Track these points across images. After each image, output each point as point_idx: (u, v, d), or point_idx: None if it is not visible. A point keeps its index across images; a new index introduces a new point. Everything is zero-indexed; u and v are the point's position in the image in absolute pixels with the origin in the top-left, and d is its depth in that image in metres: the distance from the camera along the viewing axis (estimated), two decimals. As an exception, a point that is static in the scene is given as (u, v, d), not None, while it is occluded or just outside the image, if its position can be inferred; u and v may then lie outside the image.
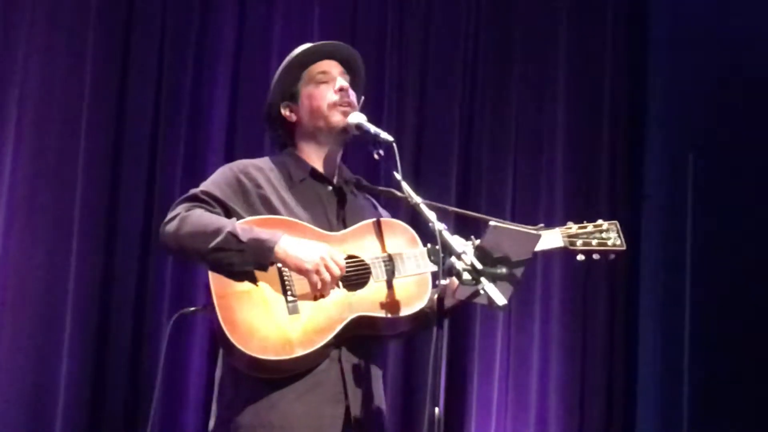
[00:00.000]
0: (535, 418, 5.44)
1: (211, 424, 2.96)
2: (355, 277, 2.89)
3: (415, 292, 2.90)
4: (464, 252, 2.64)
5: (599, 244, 3.12)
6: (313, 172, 3.06)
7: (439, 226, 2.73)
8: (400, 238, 2.96)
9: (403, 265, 2.90)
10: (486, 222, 2.84)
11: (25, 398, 4.69)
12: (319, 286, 2.80)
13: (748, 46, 5.35)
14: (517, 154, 5.69)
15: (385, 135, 2.93)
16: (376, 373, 2.97)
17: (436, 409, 2.61)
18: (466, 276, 2.60)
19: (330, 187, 3.07)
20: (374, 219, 3.00)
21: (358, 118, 3.03)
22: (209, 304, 2.81)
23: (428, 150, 5.54)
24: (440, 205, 3.06)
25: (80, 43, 4.97)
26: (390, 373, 5.06)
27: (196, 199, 2.94)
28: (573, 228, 3.12)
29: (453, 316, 2.99)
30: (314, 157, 3.09)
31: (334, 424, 2.84)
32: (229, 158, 4.98)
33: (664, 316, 5.58)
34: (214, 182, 3.00)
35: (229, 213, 2.93)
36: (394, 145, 2.89)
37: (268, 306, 2.81)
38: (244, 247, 2.79)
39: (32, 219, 4.80)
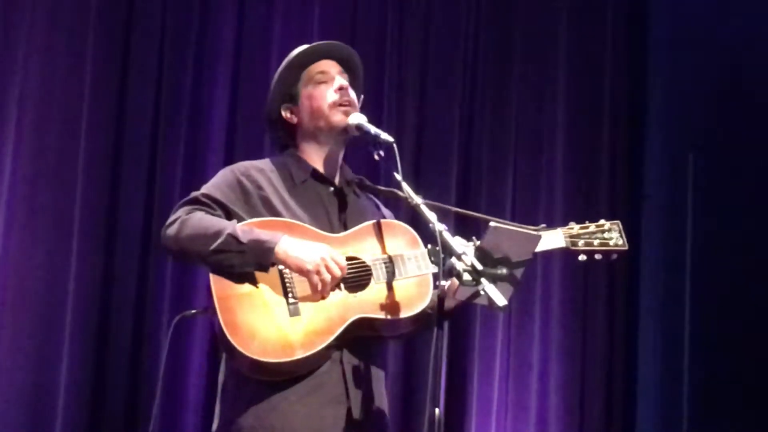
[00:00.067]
0: (535, 418, 5.44)
1: (215, 425, 2.97)
2: (356, 278, 2.88)
3: (416, 293, 2.89)
4: (464, 253, 2.64)
5: (601, 244, 3.11)
6: (315, 173, 3.06)
7: (440, 227, 2.72)
8: (401, 240, 2.96)
9: (403, 267, 2.90)
10: (486, 222, 2.84)
11: (25, 398, 4.69)
12: (320, 287, 2.80)
13: (748, 46, 5.35)
14: (517, 154, 5.69)
15: (385, 136, 2.92)
16: (378, 374, 2.96)
17: (437, 410, 2.61)
18: (467, 277, 2.60)
19: (332, 188, 3.07)
20: (375, 220, 3.00)
21: (358, 118, 3.02)
22: (210, 307, 2.81)
23: (428, 150, 5.54)
24: (441, 204, 3.06)
25: (80, 43, 4.97)
26: (390, 374, 5.05)
27: (196, 202, 2.94)
28: (575, 228, 3.11)
29: (454, 318, 2.99)
30: (315, 157, 3.08)
31: (336, 425, 2.83)
32: (229, 158, 5.00)
33: (664, 316, 5.58)
34: (215, 185, 3.00)
35: (230, 215, 2.93)
36: (395, 145, 2.89)
37: (269, 308, 2.81)
38: (245, 248, 2.79)
39: (32, 219, 4.81)
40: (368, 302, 2.86)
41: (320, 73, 3.09)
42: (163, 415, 4.74)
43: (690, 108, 5.61)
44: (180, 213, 2.91)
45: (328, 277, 2.79)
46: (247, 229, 2.85)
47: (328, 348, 2.82)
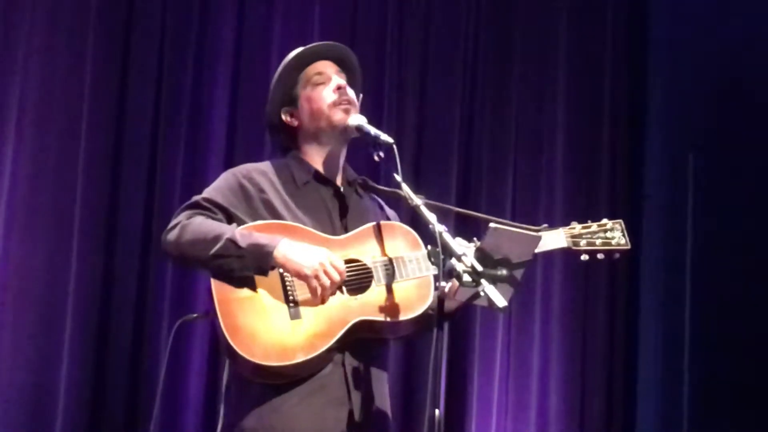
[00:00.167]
0: (535, 418, 5.44)
1: (219, 428, 2.96)
2: (357, 281, 2.88)
3: (416, 295, 2.89)
4: (464, 254, 2.64)
5: (603, 244, 3.09)
6: (317, 175, 3.06)
7: (440, 228, 2.72)
8: (402, 241, 2.95)
9: (404, 269, 2.90)
10: (486, 222, 2.84)
11: (26, 399, 4.69)
12: (319, 291, 2.80)
13: (748, 46, 5.35)
14: (517, 154, 5.69)
15: (385, 137, 2.92)
16: (380, 375, 2.96)
17: (437, 411, 2.61)
18: (467, 278, 2.59)
19: (334, 189, 3.06)
20: (376, 222, 2.99)
21: (358, 120, 3.02)
22: (211, 311, 2.81)
23: (428, 150, 5.54)
24: (441, 204, 3.06)
25: (80, 43, 4.97)
26: (390, 375, 5.01)
27: (197, 206, 2.94)
28: (576, 228, 3.10)
29: (456, 319, 2.99)
30: (317, 159, 3.08)
31: (337, 427, 2.83)
32: (230, 158, 5.01)
33: (665, 316, 5.58)
34: (217, 188, 3.00)
35: (231, 219, 2.93)
36: (395, 146, 2.88)
37: (270, 312, 2.81)
38: (243, 252, 2.80)
39: (32, 219, 4.81)
40: (369, 305, 2.86)
41: (318, 75, 3.09)
42: (163, 416, 4.74)
43: (690, 108, 5.61)
44: (180, 218, 2.91)
45: (327, 281, 2.79)
46: (246, 233, 2.85)
47: (330, 351, 2.82)
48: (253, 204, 2.96)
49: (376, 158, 2.93)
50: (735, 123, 5.38)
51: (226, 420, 2.91)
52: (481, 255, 2.70)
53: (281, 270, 2.84)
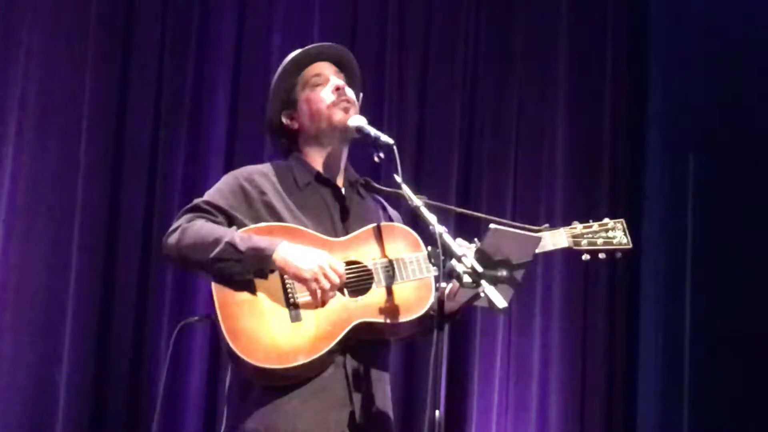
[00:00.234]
0: (535, 419, 5.44)
1: (222, 429, 2.96)
2: (358, 282, 2.88)
3: (417, 296, 2.89)
4: (464, 255, 2.63)
5: (605, 243, 3.09)
6: (318, 176, 3.06)
7: (440, 229, 2.72)
8: (402, 243, 2.95)
9: (404, 270, 2.89)
10: (487, 222, 2.84)
11: (26, 402, 4.69)
12: (319, 294, 2.80)
13: (748, 46, 5.35)
14: (518, 154, 5.69)
15: (385, 138, 2.92)
16: (382, 377, 2.96)
17: (437, 412, 2.61)
18: (467, 279, 2.59)
19: (335, 190, 3.06)
20: (376, 224, 2.99)
21: (358, 121, 3.02)
22: (212, 314, 2.81)
23: (429, 149, 5.54)
24: (442, 204, 3.06)
25: (81, 47, 4.97)
26: (390, 376, 5.05)
27: (198, 210, 2.95)
28: (578, 227, 3.09)
29: (455, 320, 2.99)
30: (319, 160, 3.08)
31: (339, 428, 2.83)
32: (230, 161, 5.01)
33: (665, 317, 5.58)
34: (218, 191, 3.00)
35: (232, 221, 2.93)
36: (395, 147, 2.88)
37: (271, 314, 2.82)
38: (243, 256, 2.80)
39: (33, 221, 4.80)
40: (369, 306, 2.85)
41: (315, 76, 3.09)
42: (164, 418, 4.74)
43: (690, 108, 5.61)
44: (181, 221, 2.92)
45: (326, 284, 2.79)
46: (245, 236, 2.85)
47: (331, 352, 2.82)
48: (254, 206, 2.96)
49: (376, 159, 2.93)
50: (735, 123, 5.38)
51: (229, 421, 2.92)
52: (482, 256, 2.70)
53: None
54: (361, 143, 3.03)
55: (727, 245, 5.30)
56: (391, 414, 2.98)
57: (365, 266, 2.90)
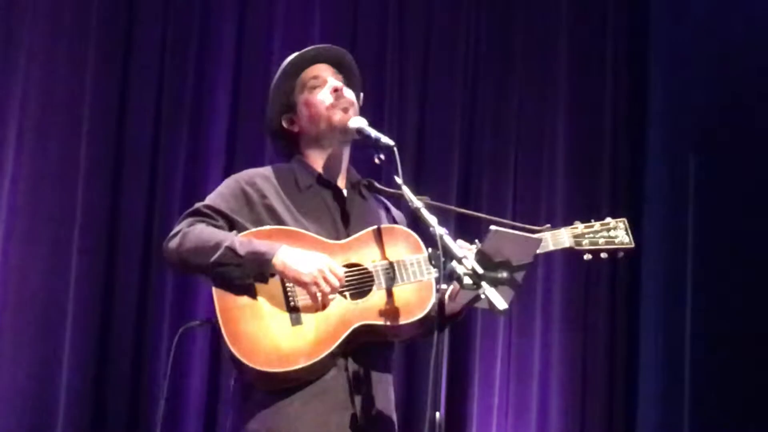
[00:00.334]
0: (536, 420, 5.44)
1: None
2: (358, 285, 2.88)
3: (418, 298, 2.88)
4: (465, 256, 2.63)
5: (607, 243, 3.07)
6: (320, 179, 3.06)
7: (440, 231, 2.71)
8: (403, 245, 2.95)
9: (405, 272, 2.89)
10: (488, 223, 2.84)
11: (26, 405, 4.70)
12: (319, 297, 2.80)
13: (748, 46, 5.34)
14: (519, 154, 5.70)
15: (385, 139, 2.91)
16: (385, 379, 2.96)
17: (437, 414, 2.61)
18: (467, 280, 2.58)
19: (337, 192, 3.06)
20: (376, 226, 2.98)
21: (358, 122, 3.02)
22: (213, 318, 2.81)
23: (429, 150, 5.55)
24: (443, 205, 3.05)
25: (81, 48, 4.97)
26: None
27: (198, 214, 2.95)
28: (579, 227, 3.07)
29: (456, 322, 2.99)
30: (320, 162, 3.08)
31: (340, 431, 2.83)
32: (230, 163, 5.01)
33: (665, 317, 5.58)
34: (219, 195, 3.00)
35: (233, 225, 2.93)
36: (395, 149, 2.88)
37: (271, 318, 2.82)
38: (243, 261, 2.80)
39: (33, 223, 4.81)
40: (370, 309, 2.85)
41: (313, 78, 3.09)
42: (164, 421, 4.74)
43: (690, 108, 5.61)
44: (182, 225, 2.92)
45: (326, 288, 2.79)
46: (245, 240, 2.85)
47: (332, 355, 2.82)
48: (256, 209, 2.96)
49: (376, 161, 2.92)
50: (735, 123, 5.37)
51: (231, 424, 2.92)
52: (482, 257, 2.70)
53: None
54: (361, 145, 3.03)
55: (727, 245, 5.29)
56: (393, 416, 2.98)
57: (365, 268, 2.90)
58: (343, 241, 2.94)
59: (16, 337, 4.71)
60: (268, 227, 2.92)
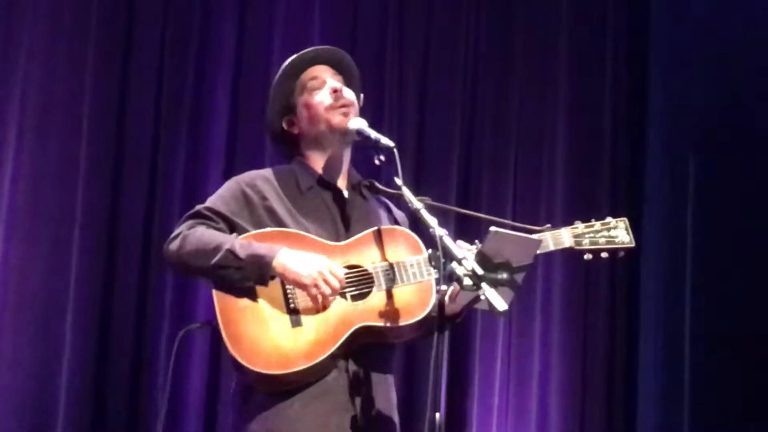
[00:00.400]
0: (536, 420, 5.44)
1: None
2: (358, 286, 2.89)
3: (418, 299, 2.88)
4: (465, 257, 2.64)
5: (607, 242, 3.07)
6: (321, 180, 3.06)
7: (440, 232, 2.72)
8: (403, 246, 2.95)
9: (405, 273, 2.89)
10: (488, 223, 2.84)
11: (26, 406, 4.69)
12: (319, 299, 2.81)
13: (748, 46, 5.34)
14: (518, 153, 5.70)
15: (385, 140, 2.92)
16: (386, 380, 2.97)
17: (437, 415, 2.61)
18: (467, 281, 2.59)
19: (338, 194, 3.06)
20: (376, 227, 2.98)
21: (358, 123, 3.02)
22: (214, 320, 2.82)
23: (429, 150, 5.54)
24: (443, 205, 3.06)
25: (81, 48, 4.97)
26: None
27: (199, 216, 2.95)
28: (580, 227, 3.08)
29: (456, 323, 2.99)
30: (321, 163, 3.08)
31: None
32: (230, 162, 5.01)
33: (665, 318, 5.58)
34: (219, 197, 3.00)
35: (233, 227, 2.94)
36: (395, 150, 2.88)
37: (271, 320, 2.83)
38: (243, 263, 2.81)
39: (33, 224, 4.81)
40: (370, 310, 2.86)
41: (312, 80, 3.09)
42: (164, 422, 4.74)
43: (690, 108, 5.61)
44: (182, 227, 2.93)
45: (326, 290, 2.80)
46: (245, 243, 2.85)
47: (333, 357, 2.82)
48: (256, 212, 2.96)
49: (376, 162, 2.93)
50: (735, 123, 5.37)
51: (232, 425, 2.93)
52: (482, 258, 2.70)
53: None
54: (361, 146, 3.03)
55: (727, 245, 5.29)
56: (395, 417, 2.99)
57: (366, 270, 2.90)
58: (343, 243, 2.95)
59: (16, 337, 4.71)
60: (268, 229, 2.92)
